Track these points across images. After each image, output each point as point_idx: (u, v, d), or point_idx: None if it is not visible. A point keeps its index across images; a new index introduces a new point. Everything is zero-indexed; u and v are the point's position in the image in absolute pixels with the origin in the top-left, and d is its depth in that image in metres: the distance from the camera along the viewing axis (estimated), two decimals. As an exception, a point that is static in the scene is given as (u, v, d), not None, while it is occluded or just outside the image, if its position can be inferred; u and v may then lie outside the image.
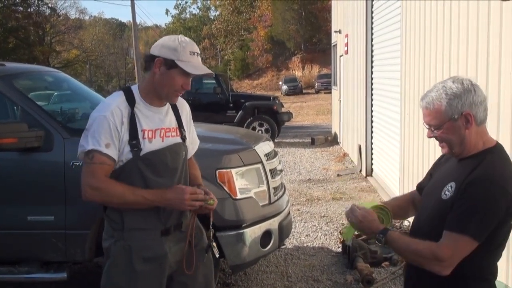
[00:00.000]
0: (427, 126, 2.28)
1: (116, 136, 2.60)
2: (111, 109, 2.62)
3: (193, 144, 3.05)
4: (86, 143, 2.61)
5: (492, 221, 2.09)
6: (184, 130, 2.87)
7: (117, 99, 2.67)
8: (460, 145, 2.22)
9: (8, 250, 4.39)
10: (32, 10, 50.78)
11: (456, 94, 2.16)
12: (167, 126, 2.77)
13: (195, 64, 2.64)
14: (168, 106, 2.82)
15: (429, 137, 2.31)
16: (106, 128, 2.58)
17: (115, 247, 2.68)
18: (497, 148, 2.25)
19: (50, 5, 54.08)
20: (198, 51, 2.69)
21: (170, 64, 2.60)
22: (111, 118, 2.59)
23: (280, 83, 50.14)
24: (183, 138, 2.84)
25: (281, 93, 44.48)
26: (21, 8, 49.79)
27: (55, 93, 8.49)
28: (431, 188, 2.40)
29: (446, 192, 2.20)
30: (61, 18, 58.56)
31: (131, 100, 2.67)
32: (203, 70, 2.68)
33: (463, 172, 2.18)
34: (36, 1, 51.92)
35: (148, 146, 2.66)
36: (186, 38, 2.68)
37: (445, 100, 2.17)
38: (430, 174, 2.54)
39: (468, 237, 2.08)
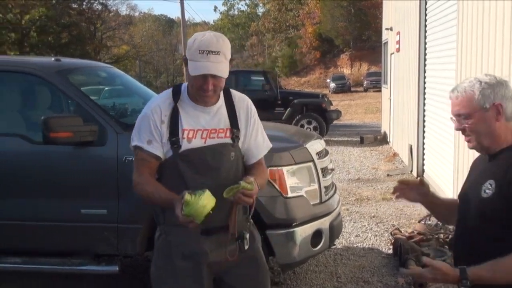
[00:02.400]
0: (455, 117, 2.25)
1: (157, 133, 2.60)
2: (152, 107, 2.64)
3: (258, 148, 2.81)
4: (132, 139, 2.69)
5: None
6: (237, 131, 2.70)
7: (163, 97, 2.69)
8: (489, 137, 2.19)
9: (62, 242, 4.46)
10: (84, 6, 51.83)
11: (489, 84, 2.17)
12: (213, 127, 2.65)
13: (198, 64, 2.48)
14: (220, 105, 2.69)
15: (457, 129, 2.27)
16: (147, 125, 2.62)
17: (159, 241, 2.73)
18: None
19: (102, 1, 55.10)
20: (212, 49, 2.48)
21: (187, 64, 2.56)
22: (151, 116, 2.62)
23: (328, 80, 49.73)
24: (234, 139, 2.69)
25: (329, 91, 44.11)
26: (75, 5, 50.90)
27: (106, 88, 8.62)
28: (467, 191, 2.34)
29: (487, 191, 2.15)
30: (112, 14, 59.53)
31: (176, 98, 2.65)
32: (204, 70, 2.48)
33: (499, 168, 2.15)
34: (89, -2, 52.97)
35: (186, 145, 2.60)
36: (208, 35, 2.52)
37: (478, 89, 2.17)
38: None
39: None
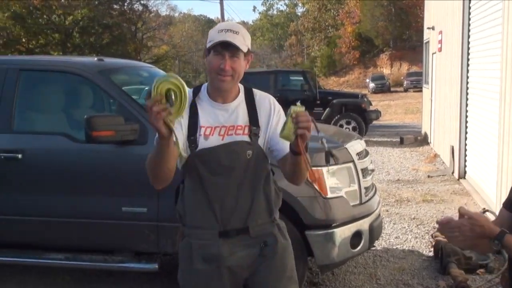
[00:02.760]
0: None
1: (179, 124, 2.46)
2: None
3: (281, 143, 2.53)
4: None
5: None
6: (256, 128, 2.58)
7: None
8: None
9: (103, 239, 4.53)
10: (126, 7, 52.58)
11: None
12: (231, 124, 2.56)
13: (216, 38, 2.45)
14: (238, 102, 2.61)
15: None
16: None
17: (182, 242, 2.67)
18: None
19: (142, 2, 55.80)
20: (232, 28, 2.47)
21: (208, 51, 2.51)
22: None
23: (367, 80, 49.29)
24: (251, 137, 2.56)
25: (368, 91, 43.70)
26: (116, 6, 51.69)
27: (146, 88, 8.71)
28: None
29: None
30: (153, 15, 60.24)
31: (195, 95, 2.60)
32: (220, 38, 2.43)
33: None
34: (130, -1, 53.74)
35: (203, 143, 2.51)
36: (230, 22, 2.53)
37: None
38: None
39: None
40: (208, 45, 2.49)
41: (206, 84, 2.64)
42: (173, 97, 2.18)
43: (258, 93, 2.70)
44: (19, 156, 4.50)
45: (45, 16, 47.78)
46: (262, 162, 2.61)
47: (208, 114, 2.55)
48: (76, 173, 4.52)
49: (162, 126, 2.15)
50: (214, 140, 2.51)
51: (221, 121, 2.55)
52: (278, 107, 2.68)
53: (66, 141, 4.54)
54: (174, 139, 2.28)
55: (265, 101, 2.67)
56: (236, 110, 2.59)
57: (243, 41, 2.47)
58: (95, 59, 5.14)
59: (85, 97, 5.14)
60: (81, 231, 4.55)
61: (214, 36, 2.47)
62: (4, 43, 47.16)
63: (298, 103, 2.21)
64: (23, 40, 48.80)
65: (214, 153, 2.50)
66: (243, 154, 2.53)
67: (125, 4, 53.21)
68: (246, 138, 2.55)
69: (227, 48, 2.44)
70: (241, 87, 2.66)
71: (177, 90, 2.20)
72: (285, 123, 2.21)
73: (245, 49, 2.48)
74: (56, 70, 4.91)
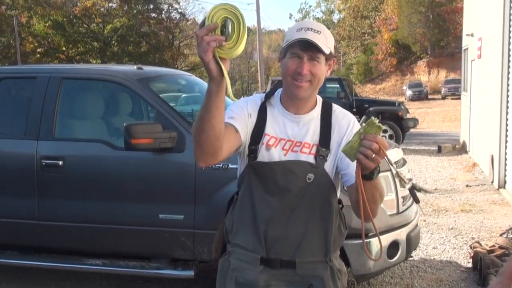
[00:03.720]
0: None
1: (243, 116, 2.25)
2: (247, 100, 2.35)
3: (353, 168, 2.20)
4: None
5: None
6: (325, 150, 2.25)
7: (256, 95, 2.39)
8: None
9: (140, 246, 4.58)
10: (163, 16, 53.30)
11: None
12: (299, 139, 2.26)
13: (295, 36, 2.16)
14: (313, 116, 2.30)
15: None
16: (236, 108, 2.28)
17: (222, 259, 2.42)
18: None
19: (180, 10, 56.45)
20: (313, 27, 2.17)
21: (284, 52, 2.22)
22: (244, 103, 2.31)
23: (404, 88, 48.73)
24: (317, 158, 2.23)
25: (405, 98, 43.19)
26: (154, 15, 52.44)
27: (182, 95, 8.80)
28: None
29: None
30: (190, 23, 60.89)
31: (267, 98, 2.34)
32: (298, 36, 2.14)
33: None
34: (167, 8, 54.46)
35: (264, 153, 2.24)
36: (310, 20, 2.29)
37: None
38: None
39: None
40: (284, 45, 2.22)
41: (280, 89, 2.36)
42: (230, 28, 1.80)
43: (338, 110, 2.37)
44: (60, 163, 4.59)
45: (84, 25, 48.67)
46: (326, 190, 2.26)
47: (277, 122, 2.29)
48: (115, 180, 4.59)
49: (211, 60, 1.79)
50: (276, 154, 2.24)
51: (289, 133, 2.27)
52: (357, 128, 2.27)
53: (106, 148, 4.61)
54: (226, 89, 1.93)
55: (343, 120, 2.34)
56: (308, 124, 2.29)
57: (325, 42, 2.17)
58: (135, 67, 5.22)
59: (124, 105, 5.24)
60: (118, 237, 4.61)
61: (292, 35, 2.18)
62: (45, 51, 48.24)
63: (376, 119, 1.87)
64: (63, 48, 49.87)
65: (270, 169, 2.23)
66: (302, 176, 2.22)
67: (163, 12, 53.92)
68: (311, 158, 2.24)
69: (306, 49, 2.14)
70: (319, 99, 2.37)
71: (236, 21, 1.81)
72: (352, 138, 1.92)
73: (327, 51, 2.17)
74: (97, 78, 5.02)
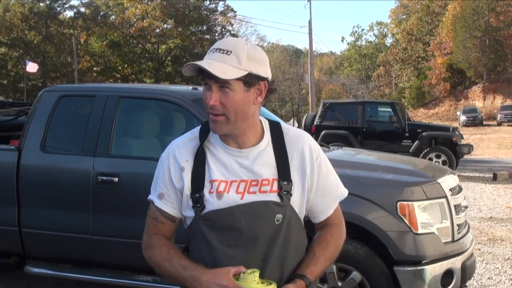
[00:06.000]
0: None
1: (172, 185, 1.97)
2: (169, 149, 2.03)
3: (327, 199, 2.07)
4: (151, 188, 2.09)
5: None
6: (288, 183, 1.92)
7: (186, 136, 2.04)
8: None
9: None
10: (217, 37, 54.12)
11: None
12: (253, 177, 1.91)
13: (204, 59, 1.85)
14: (263, 147, 1.95)
15: None
16: (162, 173, 2.01)
17: None
18: None
19: (232, 32, 57.20)
20: (223, 47, 1.83)
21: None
22: (166, 161, 2.00)
23: (458, 113, 47.89)
24: (282, 195, 1.91)
25: (459, 124, 42.44)
26: (207, 36, 53.32)
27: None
28: None
29: None
30: (242, 44, 61.55)
31: (203, 137, 1.97)
32: (205, 59, 1.84)
33: None
34: (220, 29, 55.33)
35: (216, 203, 1.89)
36: (228, 38, 1.94)
37: None
38: None
39: None
40: (184, 67, 1.90)
41: None
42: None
43: (290, 132, 2.03)
44: (115, 179, 4.68)
45: (140, 45, 49.90)
46: (297, 229, 1.97)
47: (222, 163, 1.93)
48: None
49: None
50: (230, 199, 1.89)
51: (240, 173, 1.92)
52: (318, 150, 2.03)
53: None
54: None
55: (299, 144, 2.00)
56: (260, 157, 1.94)
57: (237, 63, 1.81)
58: (190, 88, 5.30)
59: (179, 124, 5.30)
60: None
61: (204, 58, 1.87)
62: (102, 70, 49.61)
63: (256, 274, 1.81)
64: (119, 67, 51.21)
65: (229, 216, 1.88)
66: (270, 219, 1.89)
67: (216, 34, 54.84)
68: (274, 197, 1.91)
69: (211, 76, 1.80)
70: (265, 123, 2.02)
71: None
72: (243, 277, 1.81)
73: (236, 75, 1.80)
74: (153, 98, 5.12)
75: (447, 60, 58.38)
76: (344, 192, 2.13)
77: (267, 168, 1.93)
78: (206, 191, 1.90)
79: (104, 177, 4.70)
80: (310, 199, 2.02)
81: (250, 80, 1.83)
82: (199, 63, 1.79)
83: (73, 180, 4.86)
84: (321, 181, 2.02)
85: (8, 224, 4.94)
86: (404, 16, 74.08)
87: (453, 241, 4.38)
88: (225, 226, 1.88)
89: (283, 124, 2.06)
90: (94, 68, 51.71)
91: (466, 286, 5.10)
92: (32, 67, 39.22)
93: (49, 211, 4.89)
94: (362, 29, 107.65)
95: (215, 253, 1.89)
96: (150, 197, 2.05)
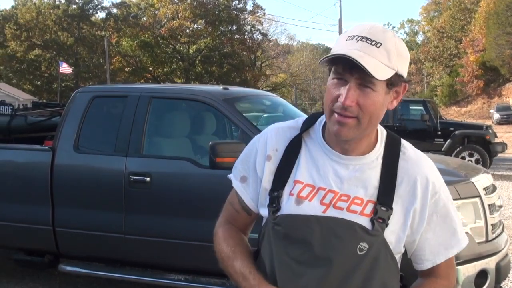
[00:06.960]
0: None
1: (254, 170, 1.70)
2: (266, 131, 1.73)
3: (437, 247, 1.65)
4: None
5: None
6: (387, 210, 1.55)
7: (287, 123, 1.74)
8: None
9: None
10: (246, 36, 54.21)
11: None
12: (346, 191, 1.57)
13: (340, 49, 1.47)
14: (371, 159, 1.61)
15: None
16: (247, 155, 1.75)
17: None
18: None
19: (262, 31, 57.23)
20: (370, 36, 1.46)
21: (329, 69, 1.56)
22: (257, 143, 1.72)
23: (492, 111, 47.10)
24: (374, 221, 1.54)
25: (492, 122, 41.71)
26: (237, 36, 53.44)
27: (263, 115, 8.89)
28: None
29: None
30: (272, 44, 61.59)
31: (304, 127, 1.68)
32: (338, 51, 1.46)
33: None
34: (250, 29, 55.41)
35: (292, 207, 1.58)
36: (371, 23, 1.51)
37: None
38: None
39: None
40: (321, 59, 1.52)
41: (324, 117, 1.65)
42: None
43: (408, 151, 1.65)
44: (147, 179, 4.72)
45: (170, 46, 50.23)
46: (386, 269, 1.58)
47: (315, 164, 1.62)
48: (199, 197, 4.66)
49: None
50: (311, 210, 1.56)
51: (331, 181, 1.59)
52: (438, 184, 1.62)
53: (191, 166, 4.69)
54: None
55: (414, 168, 1.61)
56: (362, 171, 1.59)
57: (387, 61, 1.46)
58: (221, 88, 5.32)
59: (210, 124, 5.34)
60: (201, 254, 4.66)
61: (339, 45, 1.50)
62: (133, 71, 50.12)
63: None
64: (150, 68, 51.68)
65: (303, 226, 1.56)
66: (351, 244, 1.53)
67: (246, 33, 54.90)
68: (364, 221, 1.55)
69: (353, 70, 1.45)
70: (382, 133, 1.67)
71: None
72: None
73: (387, 75, 1.46)
74: (184, 98, 5.16)
75: (479, 57, 57.41)
76: (462, 242, 1.71)
77: (366, 185, 1.58)
78: (286, 190, 1.61)
79: (136, 177, 4.75)
80: (416, 241, 1.64)
81: (394, 81, 1.51)
82: (347, 53, 1.43)
83: (105, 179, 4.92)
84: (433, 221, 1.62)
85: (42, 224, 5.03)
86: (436, 13, 73.16)
87: (487, 241, 4.32)
88: (295, 236, 1.56)
89: (403, 142, 1.67)
90: (126, 69, 52.32)
91: (501, 287, 5.02)
92: (65, 68, 39.87)
93: (82, 211, 4.97)
94: (393, 27, 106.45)
95: (277, 264, 1.59)
96: (230, 176, 1.80)
